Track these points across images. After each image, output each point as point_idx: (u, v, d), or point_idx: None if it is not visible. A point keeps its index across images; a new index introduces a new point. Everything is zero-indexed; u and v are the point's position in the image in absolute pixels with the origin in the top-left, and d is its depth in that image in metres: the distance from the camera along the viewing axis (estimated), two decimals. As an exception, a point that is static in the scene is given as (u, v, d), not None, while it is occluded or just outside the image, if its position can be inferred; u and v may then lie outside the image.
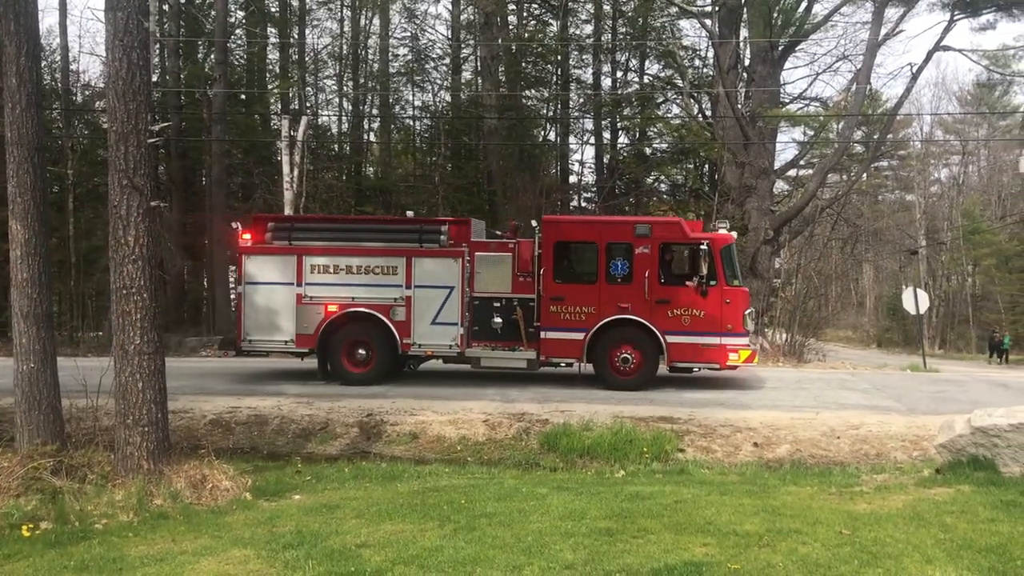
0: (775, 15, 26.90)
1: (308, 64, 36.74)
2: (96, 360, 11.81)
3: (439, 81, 38.20)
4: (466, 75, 38.68)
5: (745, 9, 27.97)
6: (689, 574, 5.91)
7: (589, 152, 41.33)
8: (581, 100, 37.66)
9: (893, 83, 71.76)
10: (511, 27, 36.11)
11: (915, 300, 24.66)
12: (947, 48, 27.33)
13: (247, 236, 15.91)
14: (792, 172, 36.21)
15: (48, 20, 49.47)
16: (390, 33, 36.58)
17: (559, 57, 35.87)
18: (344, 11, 37.53)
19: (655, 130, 36.18)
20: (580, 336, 14.96)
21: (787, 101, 32.78)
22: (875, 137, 33.05)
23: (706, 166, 35.82)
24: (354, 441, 12.31)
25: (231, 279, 32.54)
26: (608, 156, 37.54)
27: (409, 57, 37.53)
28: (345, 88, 37.43)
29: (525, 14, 37.84)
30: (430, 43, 38.03)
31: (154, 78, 29.15)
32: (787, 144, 76.75)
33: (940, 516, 7.41)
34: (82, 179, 30.69)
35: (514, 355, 15.27)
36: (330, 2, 37.19)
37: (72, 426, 9.62)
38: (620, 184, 36.34)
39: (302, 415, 13.03)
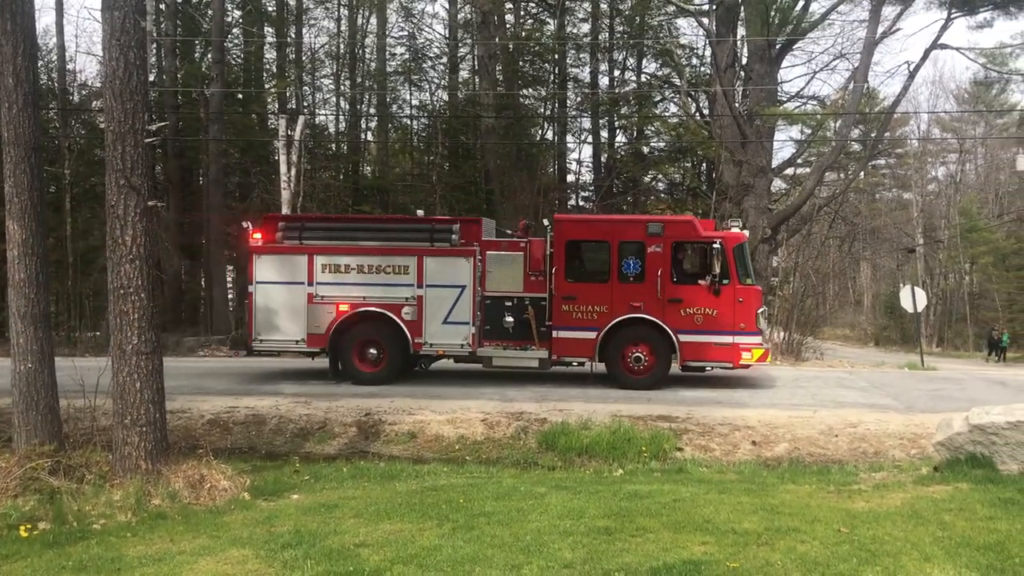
0: (772, 13, 26.87)
1: (305, 63, 36.73)
2: (94, 360, 11.82)
3: (436, 80, 38.23)
4: (463, 74, 38.70)
5: (742, 7, 27.95)
6: (688, 573, 5.91)
7: (587, 151, 41.49)
8: (579, 99, 37.73)
9: (890, 81, 71.90)
10: (508, 26, 36.10)
11: (913, 298, 24.67)
12: (944, 46, 27.35)
13: (258, 235, 15.88)
14: (790, 170, 36.20)
15: (44, 20, 49.63)
16: (387, 32, 36.57)
17: (556, 56, 35.86)
18: (341, 10, 37.50)
19: (652, 129, 36.20)
20: (592, 335, 14.94)
21: (784, 100, 32.86)
22: (872, 135, 33.09)
23: (704, 165, 35.87)
24: (352, 441, 12.31)
25: (228, 279, 32.60)
26: (606, 155, 37.56)
27: (406, 56, 37.54)
28: (342, 87, 37.45)
29: (522, 13, 37.83)
30: (427, 42, 38.04)
31: (151, 78, 29.15)
32: (784, 142, 76.40)
33: (938, 514, 7.41)
34: (79, 179, 30.66)
35: (526, 354, 15.26)
36: (327, 1, 37.16)
37: (70, 426, 9.60)
38: (618, 183, 36.36)
39: (300, 415, 13.03)
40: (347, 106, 37.63)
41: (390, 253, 15.40)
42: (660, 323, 14.80)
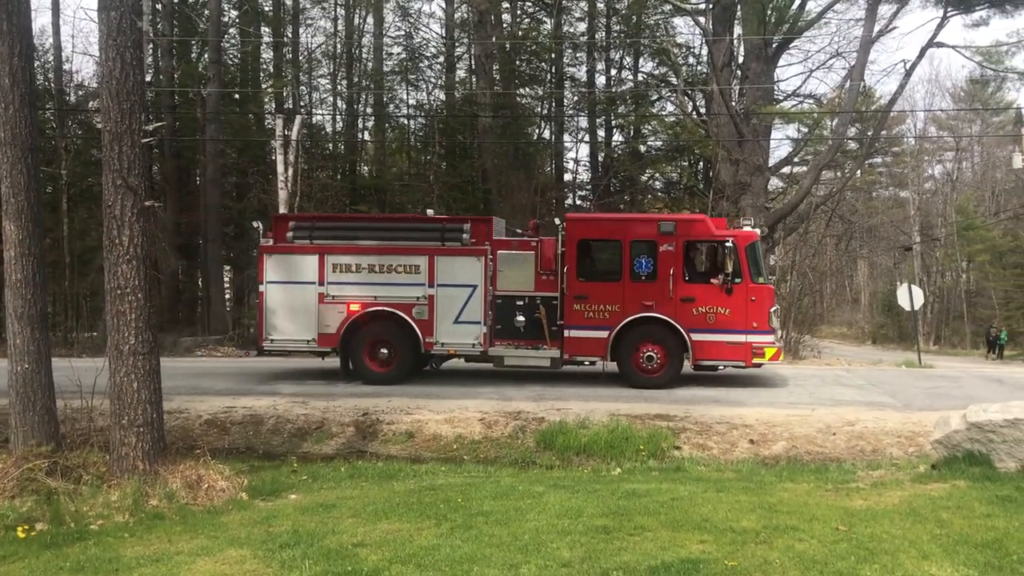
0: (769, 12, 26.90)
1: (302, 63, 36.70)
2: (91, 361, 11.81)
3: (433, 80, 38.23)
4: (460, 73, 38.67)
5: (739, 6, 27.96)
6: (686, 571, 5.91)
7: (584, 150, 41.48)
8: (575, 98, 37.68)
9: (887, 80, 71.85)
10: (505, 25, 36.12)
11: (910, 296, 24.69)
12: (940, 45, 27.34)
13: (269, 235, 15.87)
14: (786, 169, 36.27)
15: (41, 20, 49.35)
16: (384, 32, 36.60)
17: (553, 55, 35.85)
18: (338, 10, 37.47)
19: (649, 128, 36.23)
20: (604, 334, 14.92)
21: (781, 98, 32.85)
22: (869, 134, 33.08)
23: (700, 163, 35.88)
24: (350, 440, 12.31)
25: (226, 279, 32.58)
26: (603, 154, 37.54)
27: (403, 56, 37.50)
28: (339, 87, 37.40)
29: (519, 12, 37.84)
30: (424, 41, 38.05)
31: (148, 78, 29.17)
32: (781, 141, 76.26)
33: (936, 512, 7.43)
34: (76, 179, 30.60)
35: (537, 354, 15.24)
36: (324, 1, 37.11)
37: (67, 427, 9.61)
38: (615, 182, 36.36)
39: (298, 415, 13.02)
40: (344, 106, 37.62)
41: (401, 253, 15.37)
42: (672, 322, 14.76)
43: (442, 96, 38.33)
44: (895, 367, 21.51)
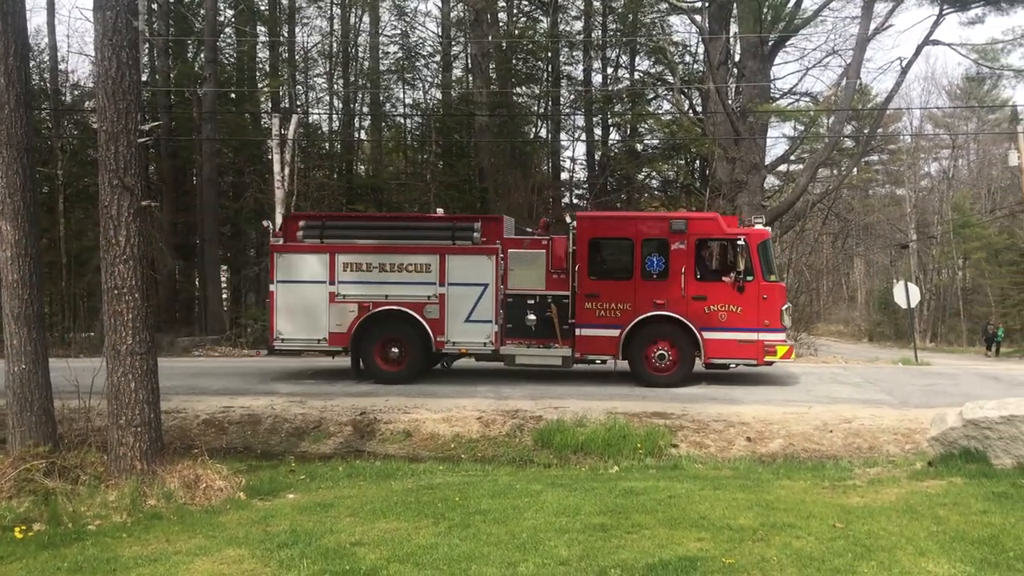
0: (765, 10, 26.91)
1: (298, 62, 36.68)
2: (88, 361, 11.80)
3: (429, 78, 38.23)
4: (457, 72, 38.69)
5: (735, 5, 27.97)
6: (683, 569, 5.92)
7: (580, 149, 41.48)
8: (572, 97, 37.71)
9: (883, 78, 72.12)
10: (501, 24, 36.10)
11: (906, 294, 24.74)
12: (936, 42, 27.42)
13: (279, 234, 15.85)
14: (783, 167, 36.31)
15: (36, 20, 49.36)
16: (380, 31, 36.56)
17: (549, 54, 35.88)
18: (334, 9, 37.45)
19: (646, 126, 36.24)
20: (615, 333, 14.90)
21: (777, 96, 32.86)
22: (865, 132, 33.16)
23: (697, 162, 35.91)
24: (348, 440, 12.30)
25: (223, 279, 32.55)
26: (599, 152, 37.57)
27: (399, 55, 37.51)
28: (335, 86, 37.36)
29: (515, 11, 37.85)
30: (420, 40, 38.06)
31: (144, 77, 29.14)
32: (777, 139, 76.32)
33: (933, 508, 7.45)
34: (72, 179, 30.54)
35: (549, 352, 15.22)
36: (319, 0, 37.12)
37: (64, 427, 9.59)
38: (612, 180, 36.36)
39: (295, 414, 13.01)
40: (340, 105, 37.58)
41: (412, 252, 15.35)
42: (684, 320, 14.75)
43: (438, 95, 38.37)
44: (892, 364, 21.55)
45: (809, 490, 8.44)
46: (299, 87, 36.55)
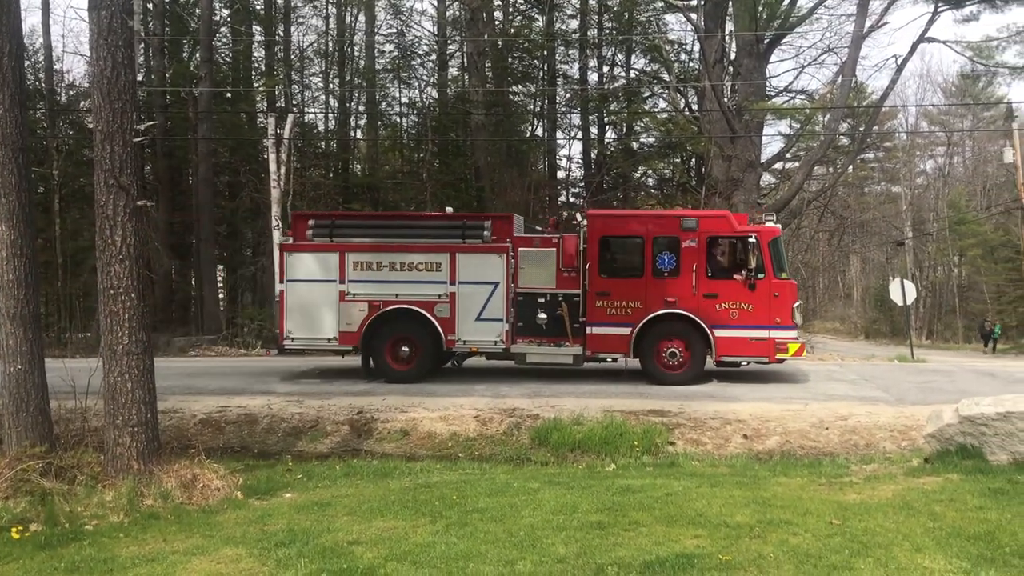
0: (760, 8, 26.92)
1: (294, 62, 36.64)
2: (84, 361, 11.77)
3: (425, 77, 38.20)
4: (452, 71, 38.67)
5: (730, 3, 28.00)
6: (680, 566, 5.92)
7: (577, 147, 41.44)
8: (568, 95, 37.70)
9: (878, 75, 72.16)
10: (497, 23, 36.06)
11: (902, 291, 24.80)
12: (931, 40, 27.45)
13: (288, 234, 15.82)
14: (779, 165, 36.36)
15: (31, 19, 49.32)
16: (376, 30, 36.48)
17: (545, 52, 35.87)
18: (329, 8, 37.45)
19: (642, 125, 36.27)
20: (627, 331, 14.88)
21: (773, 94, 32.89)
22: (861, 129, 33.20)
23: (693, 160, 35.95)
24: (345, 439, 12.30)
25: (219, 278, 32.54)
26: (595, 151, 37.59)
27: (395, 54, 37.46)
28: (331, 85, 37.36)
29: (511, 9, 37.82)
30: (416, 39, 37.98)
31: (139, 77, 29.02)
32: (773, 137, 76.26)
33: (929, 505, 7.47)
34: (68, 179, 30.54)
35: (560, 351, 15.21)
36: (315, -1, 37.09)
37: (61, 427, 9.57)
38: (608, 179, 36.39)
39: (292, 413, 13.00)
40: (336, 104, 37.57)
41: (422, 250, 15.33)
42: (695, 318, 14.74)
43: (434, 94, 38.33)
44: (888, 362, 21.59)
45: (806, 487, 8.46)
46: (295, 86, 36.58)
